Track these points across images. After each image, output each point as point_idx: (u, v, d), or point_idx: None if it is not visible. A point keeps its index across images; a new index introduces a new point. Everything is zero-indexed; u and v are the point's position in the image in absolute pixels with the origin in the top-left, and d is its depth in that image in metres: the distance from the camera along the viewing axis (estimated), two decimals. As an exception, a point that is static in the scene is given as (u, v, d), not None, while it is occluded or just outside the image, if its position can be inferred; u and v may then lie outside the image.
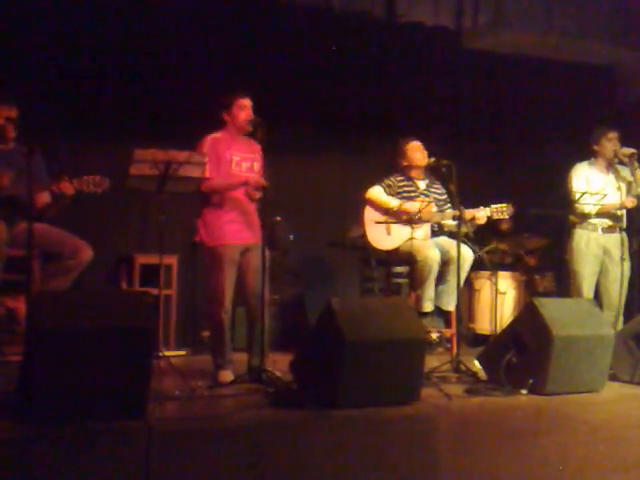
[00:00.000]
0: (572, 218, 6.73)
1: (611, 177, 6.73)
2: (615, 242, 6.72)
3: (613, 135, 6.68)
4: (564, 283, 6.96)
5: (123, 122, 6.88)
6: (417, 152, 6.55)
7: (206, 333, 6.96)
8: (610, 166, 6.74)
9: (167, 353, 5.41)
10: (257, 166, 5.56)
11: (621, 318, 6.59)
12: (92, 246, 5.42)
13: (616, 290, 6.65)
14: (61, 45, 6.66)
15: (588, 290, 6.66)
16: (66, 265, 5.35)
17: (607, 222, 6.71)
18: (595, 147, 6.74)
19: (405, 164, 6.61)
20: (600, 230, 6.70)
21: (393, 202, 6.46)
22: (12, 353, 5.38)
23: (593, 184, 6.66)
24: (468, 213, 6.17)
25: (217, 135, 5.54)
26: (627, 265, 6.68)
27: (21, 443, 3.64)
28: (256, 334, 5.40)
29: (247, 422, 4.19)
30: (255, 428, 4.15)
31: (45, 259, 5.43)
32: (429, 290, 6.26)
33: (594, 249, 6.69)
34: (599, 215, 6.66)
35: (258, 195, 5.43)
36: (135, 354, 4.01)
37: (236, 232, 5.45)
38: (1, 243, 5.11)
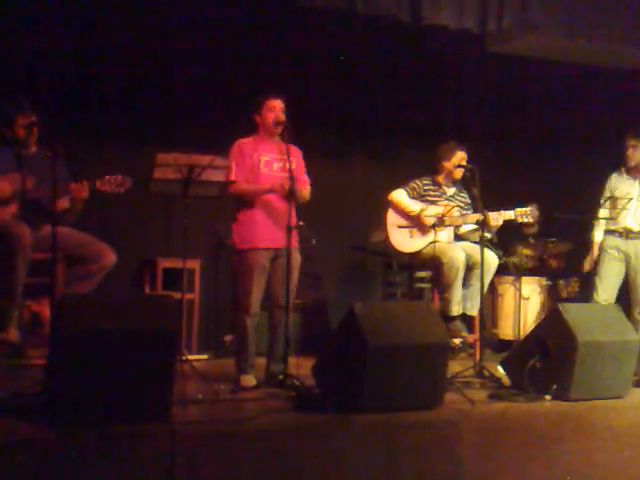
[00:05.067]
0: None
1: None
2: (637, 248, 6.74)
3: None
4: (588, 288, 6.96)
5: (146, 126, 6.91)
6: (460, 162, 6.48)
7: (228, 337, 6.97)
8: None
9: (190, 357, 5.42)
10: (292, 167, 5.39)
11: None
12: (115, 250, 5.45)
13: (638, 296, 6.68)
14: (83, 49, 6.68)
15: (607, 294, 6.67)
16: (90, 269, 5.37)
17: (628, 226, 6.71)
18: None
19: (446, 165, 6.53)
20: (625, 236, 6.72)
21: (414, 206, 6.42)
22: (36, 356, 5.41)
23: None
24: (492, 217, 6.14)
25: (245, 140, 5.52)
26: None
27: (46, 446, 3.66)
28: (277, 339, 5.41)
29: (270, 426, 4.20)
30: (278, 432, 4.16)
31: (69, 263, 5.46)
32: (457, 293, 6.20)
33: (615, 253, 6.72)
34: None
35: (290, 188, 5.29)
36: (158, 358, 4.03)
37: (265, 236, 5.41)
38: (25, 246, 5.14)
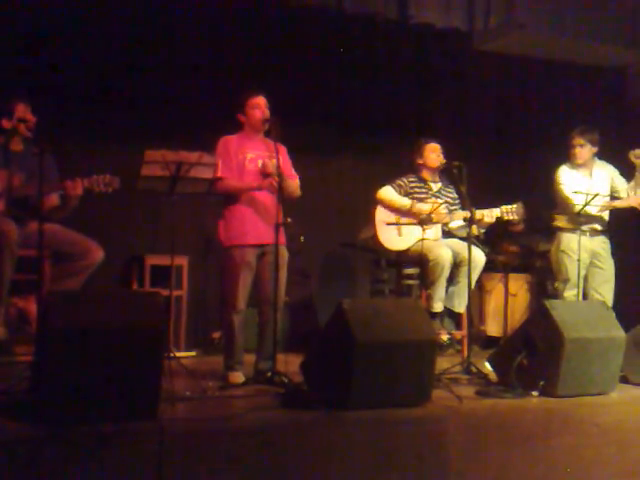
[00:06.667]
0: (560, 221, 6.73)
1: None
2: (601, 244, 6.72)
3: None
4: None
5: (134, 123, 6.88)
6: (432, 153, 6.55)
7: (216, 334, 6.97)
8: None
9: (178, 354, 5.41)
10: (277, 164, 5.34)
11: None
12: (103, 247, 5.44)
13: (607, 292, 6.65)
14: (74, 47, 6.67)
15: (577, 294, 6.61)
16: (77, 266, 5.36)
17: (595, 225, 6.69)
18: None
19: (420, 162, 6.60)
20: (588, 234, 6.66)
21: (405, 201, 6.46)
22: (23, 353, 5.40)
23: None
24: (479, 214, 6.16)
25: (231, 136, 5.52)
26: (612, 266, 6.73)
27: (32, 444, 3.64)
28: (266, 337, 5.41)
29: (258, 423, 4.19)
30: (266, 429, 4.15)
31: (56, 260, 5.45)
32: (440, 290, 6.25)
33: (582, 253, 6.57)
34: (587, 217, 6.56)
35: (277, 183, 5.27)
36: (146, 355, 4.01)
37: (251, 232, 5.39)
38: (12, 243, 5.12)
